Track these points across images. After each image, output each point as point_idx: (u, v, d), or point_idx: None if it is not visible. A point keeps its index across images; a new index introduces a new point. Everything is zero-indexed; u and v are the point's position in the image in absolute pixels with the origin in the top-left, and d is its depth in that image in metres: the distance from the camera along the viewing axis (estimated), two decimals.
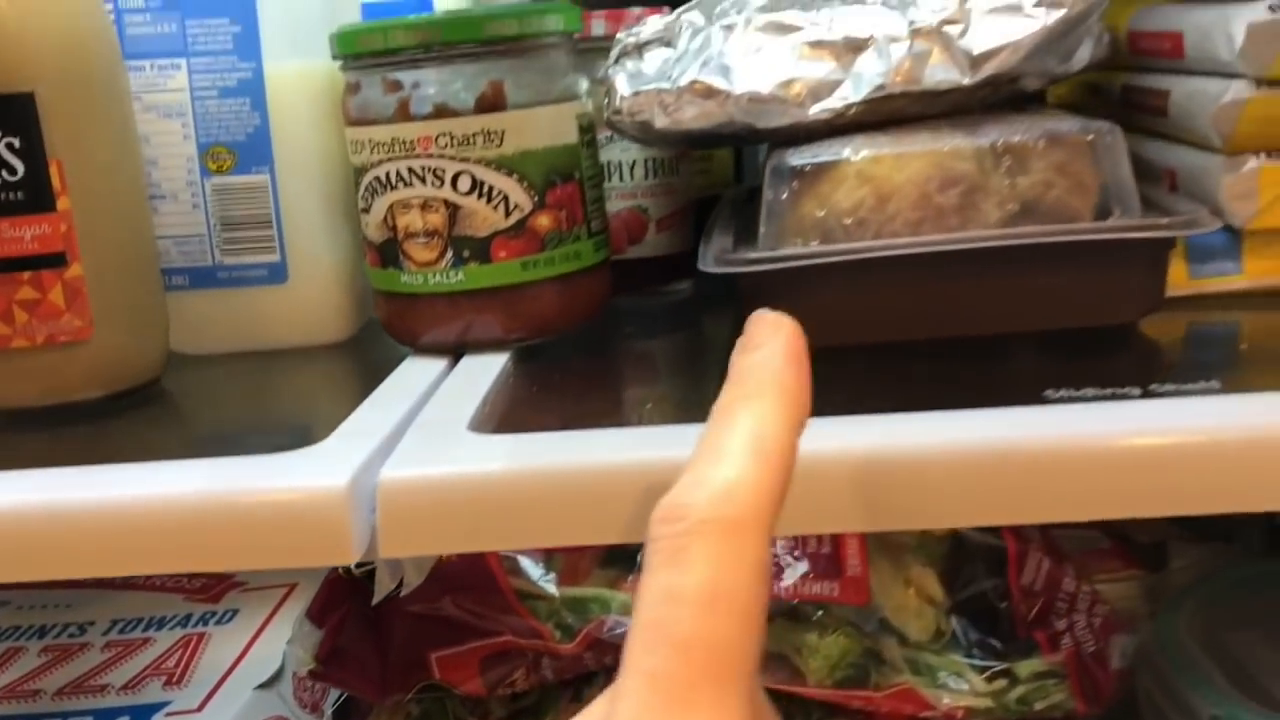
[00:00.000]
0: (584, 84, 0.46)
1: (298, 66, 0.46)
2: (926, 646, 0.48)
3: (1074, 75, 0.46)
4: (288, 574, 0.59)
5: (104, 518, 0.33)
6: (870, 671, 0.47)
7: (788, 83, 0.43)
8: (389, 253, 0.44)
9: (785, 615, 0.46)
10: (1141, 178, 0.47)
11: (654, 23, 0.47)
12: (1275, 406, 0.32)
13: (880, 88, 0.42)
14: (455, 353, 0.45)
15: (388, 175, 0.43)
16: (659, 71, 0.45)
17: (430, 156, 0.42)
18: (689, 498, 0.22)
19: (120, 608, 0.57)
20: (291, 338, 0.49)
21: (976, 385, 0.38)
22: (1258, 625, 0.50)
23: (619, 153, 0.52)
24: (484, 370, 0.42)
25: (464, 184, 0.42)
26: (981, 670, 0.47)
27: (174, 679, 0.51)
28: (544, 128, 0.43)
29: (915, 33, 0.42)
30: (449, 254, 0.43)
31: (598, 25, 0.52)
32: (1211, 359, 0.40)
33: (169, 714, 0.49)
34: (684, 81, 0.44)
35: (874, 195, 0.41)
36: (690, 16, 0.47)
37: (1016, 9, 0.42)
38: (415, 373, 0.43)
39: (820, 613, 0.46)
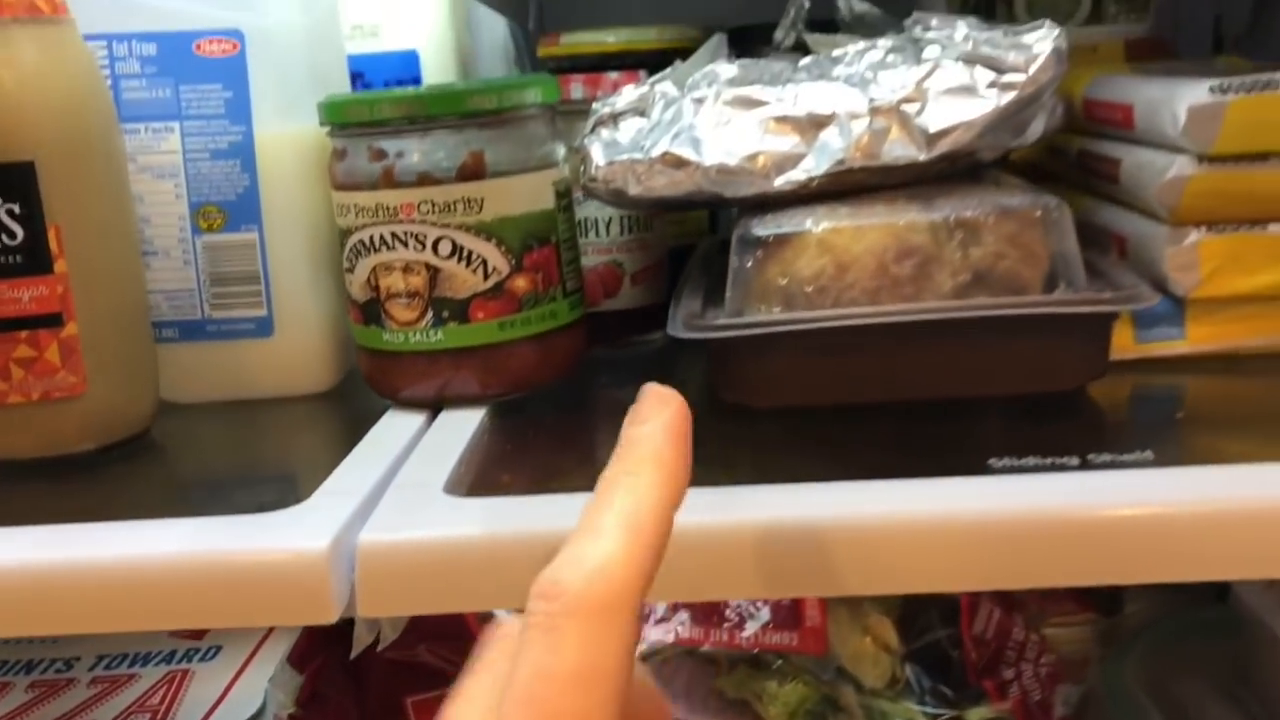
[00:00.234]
0: (561, 151, 0.48)
1: (286, 130, 0.48)
2: (882, 694, 0.50)
3: (1028, 146, 0.48)
4: None
5: (94, 575, 0.35)
6: (827, 717, 0.49)
7: (754, 155, 0.45)
8: (372, 311, 0.46)
9: (747, 663, 0.48)
10: (1092, 244, 0.49)
11: (629, 93, 0.49)
12: (1199, 481, 0.34)
13: (841, 162, 0.45)
14: (434, 406, 0.47)
15: (372, 239, 0.45)
16: (632, 141, 0.47)
17: (413, 222, 0.44)
18: (564, 575, 0.23)
19: (106, 643, 0.58)
20: (277, 387, 0.51)
21: (927, 449, 0.40)
22: (1204, 672, 0.52)
23: (595, 210, 0.54)
24: (461, 426, 0.44)
25: (445, 248, 0.44)
26: (933, 717, 0.49)
27: (158, 716, 0.53)
28: (522, 195, 0.45)
29: (875, 110, 0.44)
30: (429, 314, 0.45)
31: (576, 89, 0.54)
32: (1148, 428, 0.42)
33: None
34: (656, 152, 0.46)
35: (834, 264, 0.44)
36: (663, 87, 0.49)
37: (971, 90, 0.44)
38: (394, 428, 0.45)
39: (780, 661, 0.48)
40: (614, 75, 0.55)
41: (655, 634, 0.51)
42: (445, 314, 0.45)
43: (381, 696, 0.51)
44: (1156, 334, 0.47)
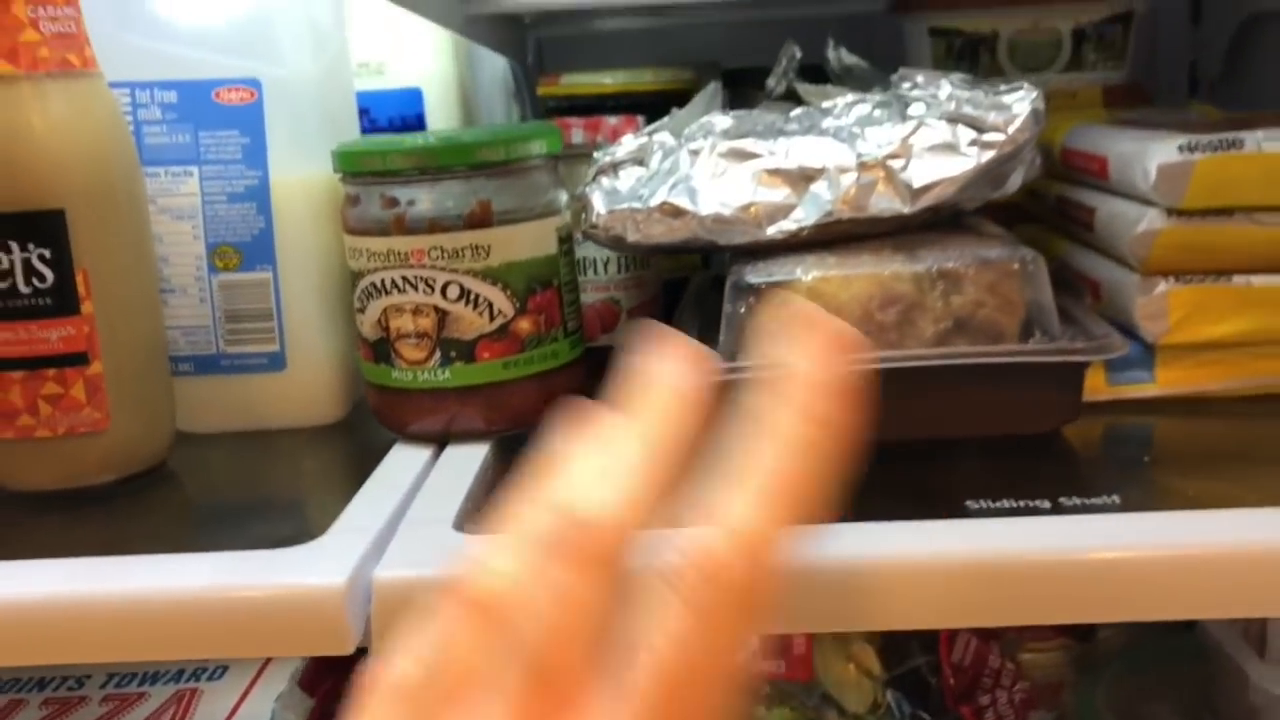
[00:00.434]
0: (563, 197, 0.50)
1: (300, 175, 0.51)
2: (864, 718, 0.52)
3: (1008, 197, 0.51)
4: None
5: (122, 608, 0.37)
6: None
7: (747, 206, 0.47)
8: (381, 350, 0.48)
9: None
10: (1068, 289, 0.52)
11: (628, 142, 0.51)
12: (1160, 526, 0.36)
13: (829, 213, 0.47)
14: (440, 441, 0.49)
15: (383, 282, 0.47)
16: (631, 190, 0.49)
17: (423, 267, 0.46)
18: (720, 547, 0.21)
19: (116, 662, 0.60)
20: (288, 419, 0.53)
21: (909, 489, 0.42)
22: (1171, 697, 0.55)
23: (594, 250, 0.57)
24: (467, 462, 0.46)
25: (453, 292, 0.47)
26: None
27: None
28: (527, 241, 0.47)
29: (862, 165, 0.47)
30: (437, 354, 0.47)
31: (577, 134, 0.57)
32: (1116, 471, 0.44)
33: None
34: (654, 202, 0.48)
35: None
36: (660, 137, 0.51)
37: (953, 147, 0.47)
38: (402, 462, 0.47)
39: (768, 687, 0.50)
40: (613, 121, 0.58)
41: None
42: (453, 354, 0.47)
43: None
44: (1128, 377, 0.50)
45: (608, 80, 0.66)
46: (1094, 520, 0.37)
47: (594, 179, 0.50)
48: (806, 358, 0.24)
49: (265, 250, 0.50)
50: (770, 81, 0.60)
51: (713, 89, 0.59)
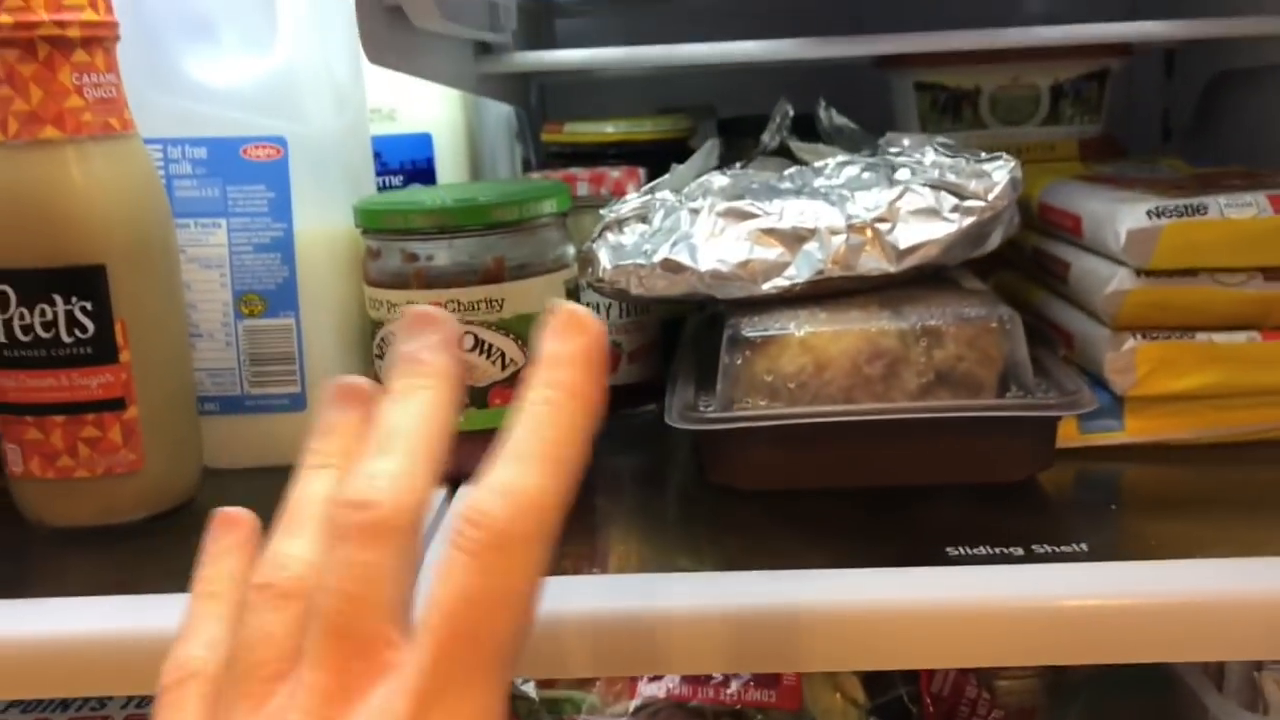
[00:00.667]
0: (571, 251, 0.53)
1: (322, 227, 0.54)
2: None
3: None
4: None
5: (145, 644, 0.39)
6: None
7: (744, 263, 0.51)
8: None
9: (730, 717, 0.53)
10: (1043, 341, 0.55)
11: (632, 200, 0.54)
12: (1124, 575, 0.40)
13: (821, 271, 0.50)
14: (453, 481, 0.52)
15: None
16: (635, 246, 0.52)
17: None
18: (491, 506, 0.25)
19: None
20: None
21: (893, 533, 0.46)
22: None
23: (596, 296, 0.60)
24: None
25: (468, 342, 0.50)
26: None
27: None
28: (537, 294, 0.50)
29: (851, 227, 0.50)
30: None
31: (582, 187, 0.60)
32: (1085, 518, 0.47)
33: None
34: (657, 258, 0.51)
35: (813, 363, 0.49)
36: (662, 195, 0.55)
37: (936, 212, 0.50)
38: None
39: (760, 716, 0.53)
40: (615, 174, 0.61)
41: (649, 690, 0.56)
42: (466, 400, 0.50)
43: None
44: (1099, 425, 0.53)
45: (609, 129, 0.69)
46: (1063, 569, 0.40)
47: (600, 234, 0.53)
48: (550, 339, 0.28)
49: (288, 298, 0.53)
50: (765, 137, 0.63)
51: (710, 146, 0.62)
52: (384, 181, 0.68)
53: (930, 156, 0.52)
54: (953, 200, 0.50)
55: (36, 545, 0.49)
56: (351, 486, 0.27)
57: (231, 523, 0.32)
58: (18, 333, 0.46)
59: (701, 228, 0.52)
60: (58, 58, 0.45)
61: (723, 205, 0.52)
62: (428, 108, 0.70)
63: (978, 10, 0.63)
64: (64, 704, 0.62)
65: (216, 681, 0.28)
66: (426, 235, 0.49)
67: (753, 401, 0.49)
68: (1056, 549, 0.42)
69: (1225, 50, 0.73)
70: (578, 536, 0.49)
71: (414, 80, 0.60)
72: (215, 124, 0.52)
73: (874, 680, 0.56)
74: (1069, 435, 0.53)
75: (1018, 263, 0.66)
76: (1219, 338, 0.52)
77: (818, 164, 0.57)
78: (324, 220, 0.54)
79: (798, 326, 0.49)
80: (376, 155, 0.69)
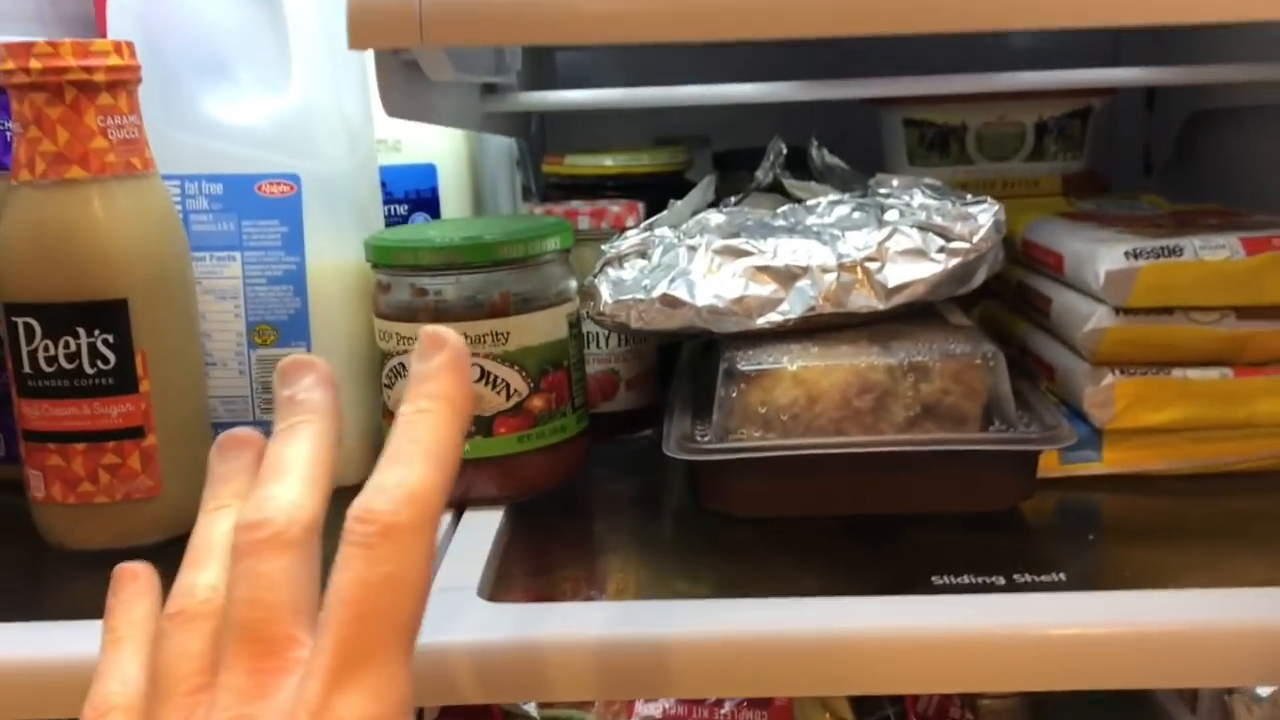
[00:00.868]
0: (573, 285, 0.55)
1: (333, 260, 0.56)
2: None
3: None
4: None
5: None
6: None
7: (739, 299, 0.53)
8: None
9: None
10: (1025, 374, 0.57)
11: (632, 236, 0.57)
12: (1099, 604, 0.42)
13: (812, 308, 0.52)
14: (459, 506, 0.54)
15: (410, 364, 0.52)
16: (635, 281, 0.54)
17: None
18: (377, 503, 0.28)
19: None
20: None
21: (881, 560, 0.48)
22: None
23: (597, 325, 0.62)
24: (484, 527, 0.51)
25: (474, 373, 0.51)
26: None
27: None
28: (541, 327, 0.53)
29: (842, 265, 0.52)
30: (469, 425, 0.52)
31: (583, 221, 0.62)
32: (1064, 547, 0.50)
33: None
34: (656, 293, 0.53)
35: (806, 396, 0.51)
36: (661, 231, 0.57)
37: (923, 253, 0.52)
38: None
39: None
40: (615, 209, 0.63)
41: (646, 710, 0.58)
42: (473, 429, 0.52)
43: None
44: (1078, 456, 0.55)
45: (608, 162, 0.71)
46: (1041, 598, 0.43)
47: (601, 269, 0.55)
48: (415, 361, 0.31)
49: (300, 328, 0.55)
50: (759, 173, 0.65)
51: (706, 182, 0.64)
52: (390, 210, 0.70)
53: (918, 198, 0.55)
54: (939, 242, 0.52)
55: (55, 566, 0.51)
56: (247, 511, 0.29)
57: (132, 575, 0.34)
58: (42, 364, 0.48)
59: (699, 264, 0.54)
60: (84, 101, 0.47)
61: (719, 243, 0.54)
62: (432, 139, 0.72)
63: (966, 50, 0.66)
64: None
65: (138, 709, 0.30)
66: (436, 271, 0.51)
67: (747, 432, 0.51)
68: (1036, 578, 0.45)
69: (1204, 90, 0.76)
70: (578, 559, 0.51)
71: None
72: (231, 161, 0.54)
73: (862, 701, 0.58)
74: (1050, 465, 0.55)
75: (1003, 294, 0.68)
76: (1193, 374, 0.54)
77: (810, 202, 0.59)
78: (335, 254, 0.56)
79: (790, 360, 0.52)
80: (382, 185, 0.70)
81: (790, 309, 0.53)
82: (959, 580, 0.45)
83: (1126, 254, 0.53)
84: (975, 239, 0.52)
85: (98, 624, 0.44)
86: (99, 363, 0.48)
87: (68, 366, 0.48)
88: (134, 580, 0.34)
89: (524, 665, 0.41)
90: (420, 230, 0.56)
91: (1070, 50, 0.85)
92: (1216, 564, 0.48)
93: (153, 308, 0.49)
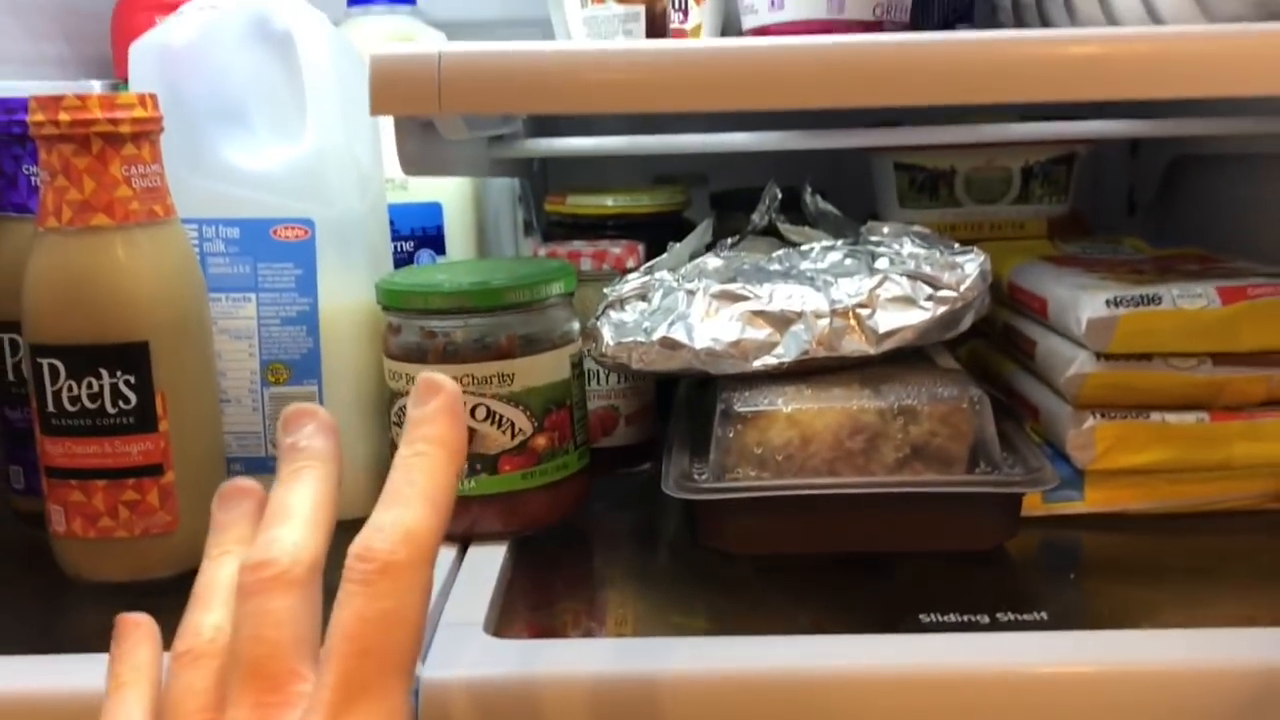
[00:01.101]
0: (577, 326, 0.57)
1: (345, 302, 0.58)
2: None
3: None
4: None
5: None
6: None
7: (736, 342, 0.55)
8: None
9: None
10: (1010, 415, 0.59)
11: (633, 280, 0.59)
12: (1078, 644, 0.44)
13: (806, 351, 0.54)
14: (463, 541, 0.56)
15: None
16: (635, 323, 0.57)
17: None
18: (376, 542, 0.29)
19: None
20: None
21: (870, 599, 0.50)
22: None
23: (599, 365, 0.64)
24: (488, 563, 0.53)
25: (480, 413, 0.54)
26: None
27: None
28: (545, 369, 0.55)
29: (835, 311, 0.55)
30: (465, 467, 0.54)
31: (586, 263, 0.64)
32: (1045, 586, 0.52)
33: None
34: (656, 336, 0.55)
35: (800, 437, 0.53)
36: (660, 275, 0.59)
37: (913, 301, 0.54)
38: None
39: None
40: (616, 250, 0.65)
41: None
42: (478, 467, 0.54)
43: None
44: (1061, 496, 0.57)
45: (609, 202, 0.73)
46: (1022, 637, 0.45)
47: (603, 312, 0.58)
48: (412, 407, 0.33)
49: (312, 367, 0.57)
50: (755, 216, 0.67)
51: (704, 226, 0.67)
52: (397, 247, 0.72)
53: (908, 247, 0.57)
54: (928, 290, 0.54)
55: (73, 598, 0.52)
56: (253, 553, 0.30)
57: (134, 624, 0.35)
58: (65, 403, 0.50)
59: (697, 308, 0.56)
60: (109, 152, 0.49)
61: (716, 287, 0.56)
62: (438, 179, 0.74)
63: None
64: None
65: None
66: (445, 315, 0.53)
67: (743, 471, 0.53)
68: (1019, 616, 0.47)
69: (1185, 137, 0.78)
70: (577, 592, 0.53)
71: None
72: (248, 206, 0.56)
73: None
74: (1033, 505, 0.57)
75: (991, 335, 0.71)
76: (1171, 418, 0.56)
77: (804, 247, 0.61)
78: (346, 295, 0.58)
79: (785, 403, 0.54)
80: (390, 223, 0.73)
81: (785, 352, 0.55)
82: (945, 619, 0.47)
83: (1108, 302, 0.55)
84: (962, 288, 0.54)
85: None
86: (120, 403, 0.50)
87: (90, 406, 0.50)
88: (136, 629, 0.35)
89: (527, 700, 0.43)
90: (429, 273, 0.58)
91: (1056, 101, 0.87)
92: (1195, 601, 0.50)
93: (173, 350, 0.51)
